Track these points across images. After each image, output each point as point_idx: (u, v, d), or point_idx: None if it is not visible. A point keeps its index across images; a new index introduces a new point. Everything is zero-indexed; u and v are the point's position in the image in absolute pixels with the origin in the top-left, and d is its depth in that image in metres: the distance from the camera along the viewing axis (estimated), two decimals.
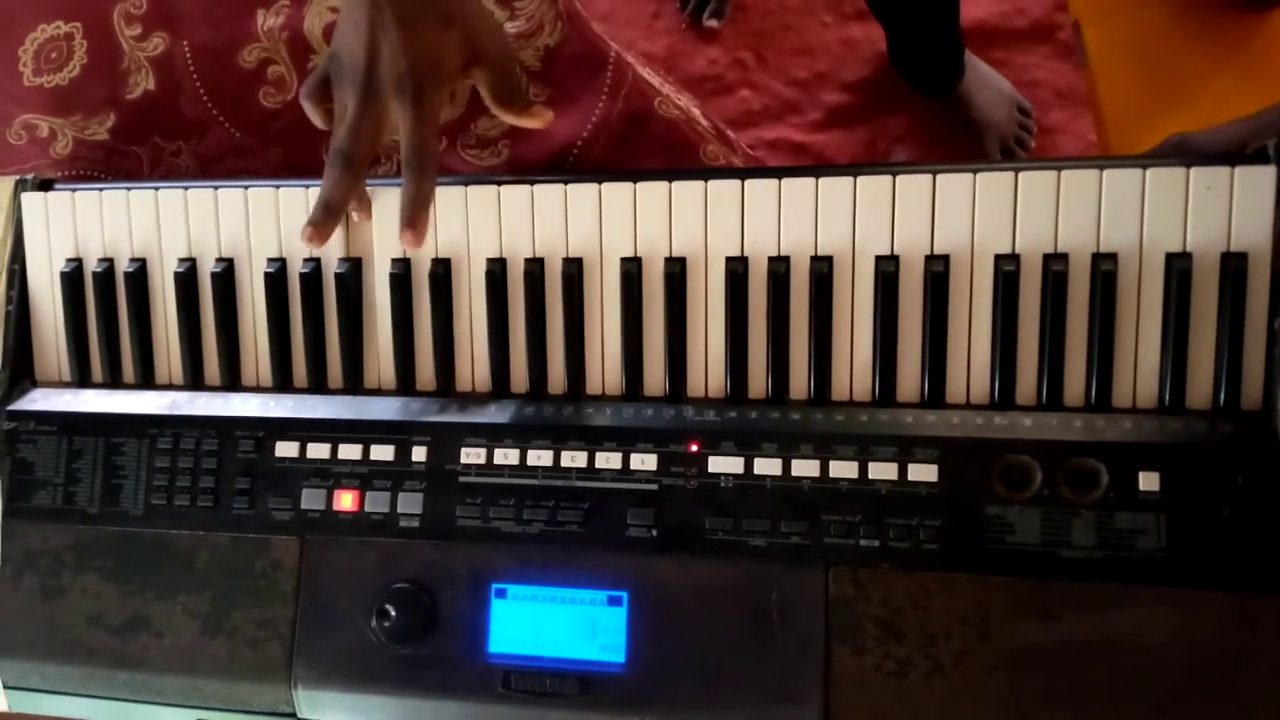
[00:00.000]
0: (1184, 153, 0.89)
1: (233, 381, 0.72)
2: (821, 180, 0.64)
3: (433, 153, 0.64)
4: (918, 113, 1.50)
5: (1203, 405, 0.60)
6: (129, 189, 0.74)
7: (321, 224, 0.63)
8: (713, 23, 1.59)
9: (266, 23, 0.82)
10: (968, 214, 0.62)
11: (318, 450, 0.68)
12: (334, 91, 0.65)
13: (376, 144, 0.65)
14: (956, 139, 1.47)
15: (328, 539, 0.67)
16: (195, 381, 0.72)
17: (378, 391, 0.70)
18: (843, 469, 0.62)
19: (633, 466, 0.64)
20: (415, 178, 0.63)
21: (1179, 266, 0.60)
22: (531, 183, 0.68)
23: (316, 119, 0.67)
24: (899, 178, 0.63)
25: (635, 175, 0.67)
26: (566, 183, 0.68)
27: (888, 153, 1.51)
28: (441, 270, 0.68)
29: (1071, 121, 1.46)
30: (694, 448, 0.64)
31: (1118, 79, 1.08)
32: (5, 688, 0.71)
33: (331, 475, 0.67)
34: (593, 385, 0.68)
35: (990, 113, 1.44)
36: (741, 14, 1.60)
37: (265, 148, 0.82)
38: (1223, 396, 0.60)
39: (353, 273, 0.70)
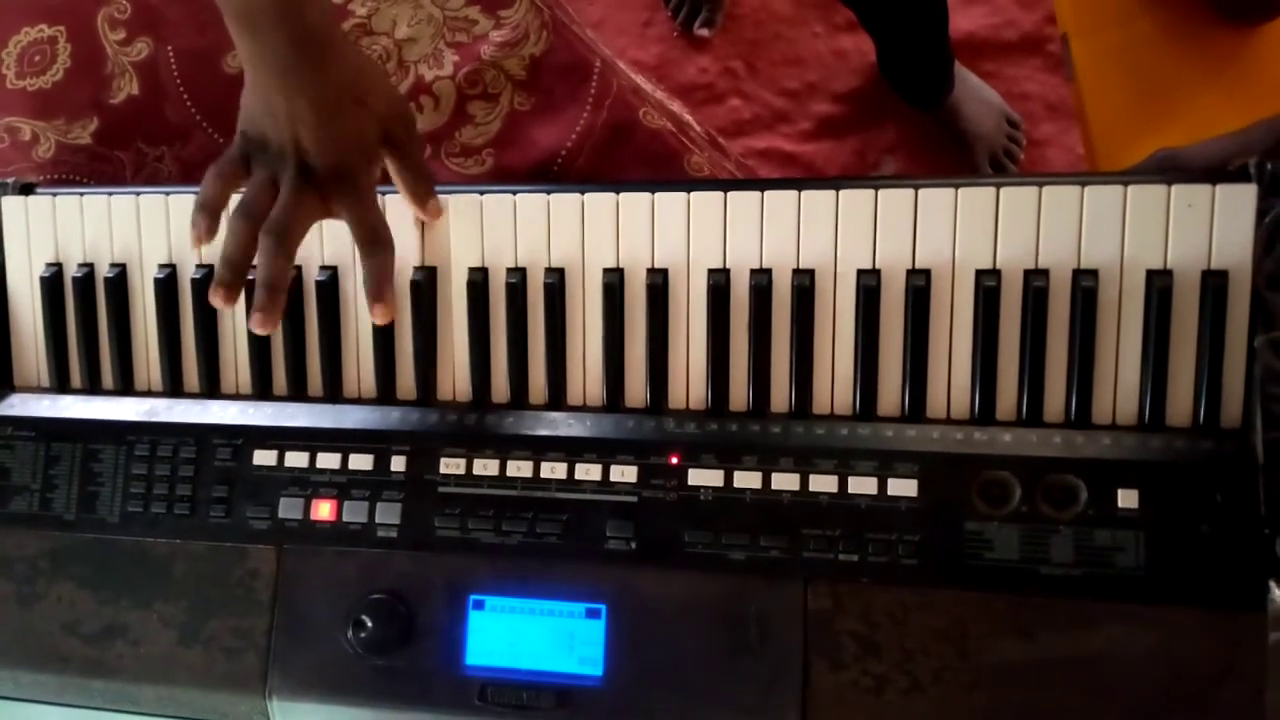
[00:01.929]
0: (1170, 167, 0.89)
1: (211, 388, 0.71)
2: (804, 193, 0.64)
3: (384, 229, 0.64)
4: (907, 124, 1.50)
5: (1182, 423, 0.60)
6: (110, 194, 0.73)
7: (269, 307, 0.61)
8: (704, 32, 1.59)
9: None
10: (949, 229, 0.62)
11: (296, 459, 0.67)
12: (255, 170, 0.63)
13: (309, 225, 0.64)
14: (946, 150, 1.48)
15: (305, 548, 0.66)
16: (174, 388, 0.72)
17: (357, 400, 0.70)
18: (822, 483, 0.62)
19: (613, 478, 0.64)
20: (375, 254, 0.63)
21: (1160, 284, 0.60)
22: (514, 192, 0.68)
23: (217, 192, 0.63)
24: (881, 192, 0.63)
25: (618, 186, 0.67)
26: (549, 192, 0.67)
27: (877, 163, 1.51)
28: (423, 278, 0.68)
29: (1061, 134, 1.46)
30: (674, 460, 0.63)
31: (1105, 93, 1.08)
32: None
33: (309, 484, 0.67)
34: (574, 396, 0.67)
35: (979, 125, 1.44)
36: (733, 23, 1.60)
37: None
38: (1202, 414, 0.60)
39: (332, 280, 0.69)
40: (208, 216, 0.62)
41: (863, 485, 0.61)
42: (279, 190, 0.62)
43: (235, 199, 0.63)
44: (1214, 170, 0.61)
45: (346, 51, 0.63)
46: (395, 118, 0.65)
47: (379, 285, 0.63)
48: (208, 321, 0.71)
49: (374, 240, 0.63)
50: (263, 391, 0.71)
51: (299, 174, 0.61)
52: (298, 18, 0.59)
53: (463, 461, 0.66)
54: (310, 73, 0.60)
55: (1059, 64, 1.45)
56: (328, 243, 0.70)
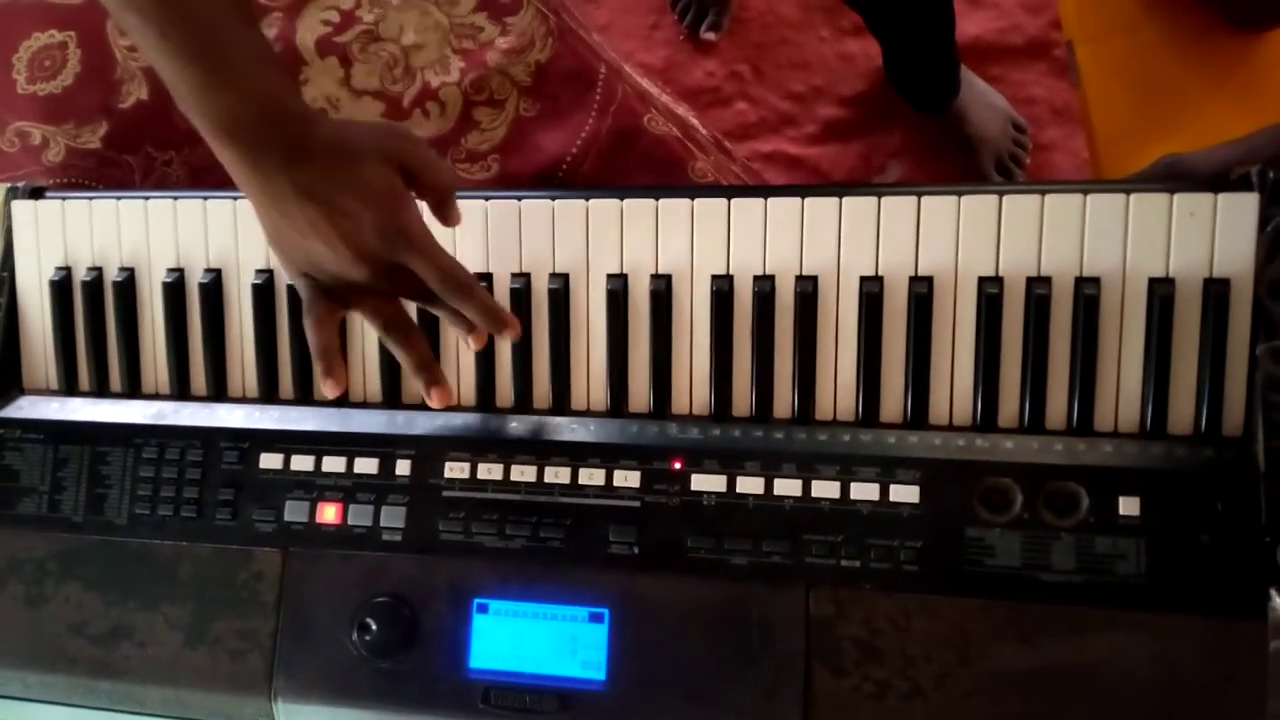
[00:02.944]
0: (1175, 173, 0.89)
1: (219, 392, 0.72)
2: (807, 200, 0.64)
3: (460, 268, 0.61)
4: (913, 128, 1.50)
5: (1184, 430, 0.60)
6: (119, 198, 0.74)
7: (440, 377, 0.63)
8: (710, 35, 1.59)
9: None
10: (952, 236, 0.62)
11: (302, 462, 0.68)
12: (353, 301, 0.62)
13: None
14: (952, 155, 1.47)
15: (310, 551, 0.67)
16: (181, 391, 0.73)
17: (363, 404, 0.70)
18: (825, 489, 0.62)
19: (616, 483, 0.64)
20: (466, 297, 0.61)
21: (1161, 291, 0.60)
22: (519, 198, 0.68)
23: (327, 339, 0.61)
24: (884, 199, 0.63)
25: (623, 192, 0.67)
26: (554, 198, 0.68)
27: (883, 168, 1.51)
28: None
29: (1067, 139, 1.46)
30: (677, 465, 0.64)
31: (1110, 99, 1.08)
32: None
33: (315, 487, 0.67)
34: (578, 401, 0.68)
35: (985, 129, 1.44)
36: (739, 27, 1.60)
37: None
38: (1204, 422, 0.60)
39: None
40: (334, 362, 0.61)
41: (865, 491, 0.61)
42: (384, 290, 0.61)
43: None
44: (1216, 179, 0.61)
45: (320, 116, 0.61)
46: (388, 140, 0.61)
47: (494, 317, 0.62)
48: (215, 325, 0.72)
49: (455, 283, 0.61)
50: (269, 395, 0.71)
51: (376, 267, 0.59)
52: (280, 108, 0.57)
53: (467, 466, 0.66)
54: (310, 156, 0.57)
55: (1065, 68, 1.45)
56: None
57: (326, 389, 0.62)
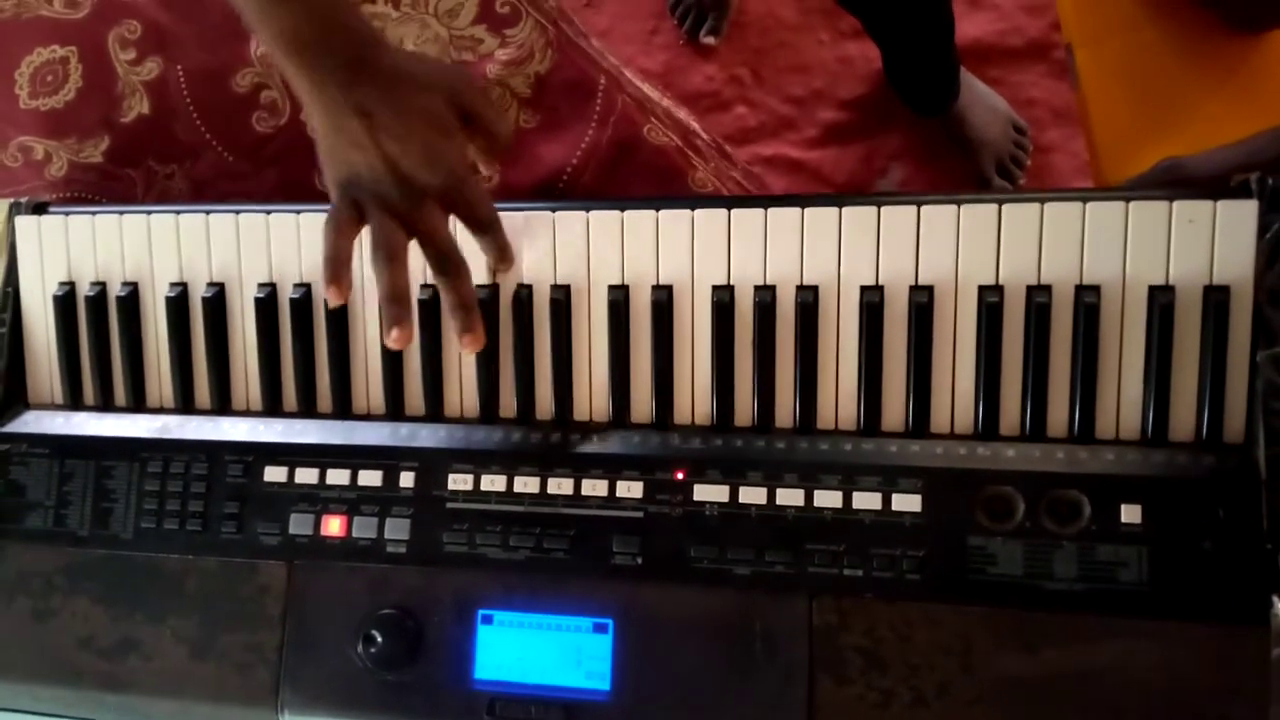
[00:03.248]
0: (1176, 176, 0.89)
1: (223, 405, 0.72)
2: (807, 210, 0.64)
3: (494, 210, 0.66)
4: (914, 131, 1.50)
5: (1185, 437, 0.60)
6: (121, 213, 0.74)
7: (405, 320, 0.62)
8: (710, 40, 1.59)
9: (260, 48, 0.83)
10: (952, 245, 0.63)
11: (306, 475, 0.68)
12: (370, 214, 0.62)
13: (448, 229, 0.65)
14: (952, 158, 1.48)
15: (315, 564, 0.67)
16: (186, 405, 0.73)
17: (367, 416, 0.70)
18: (827, 498, 0.62)
19: (619, 494, 0.64)
20: (492, 230, 0.66)
21: (1162, 299, 0.60)
22: (520, 209, 0.68)
23: (340, 247, 0.62)
24: (884, 208, 0.63)
25: (623, 203, 0.67)
26: (555, 210, 0.68)
27: (884, 170, 1.51)
28: (430, 296, 0.68)
29: (1067, 141, 1.46)
30: (680, 475, 0.64)
31: (1110, 102, 1.08)
32: None
33: (320, 500, 0.68)
34: (580, 412, 0.68)
35: (986, 131, 1.44)
36: (739, 31, 1.61)
37: (258, 171, 0.83)
38: (1205, 429, 0.60)
39: None
40: (341, 271, 0.62)
41: (867, 501, 0.62)
42: (402, 221, 0.62)
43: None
44: (1215, 186, 0.61)
45: (386, 42, 0.64)
46: (452, 78, 0.65)
47: (503, 256, 0.67)
48: (219, 338, 0.72)
49: (486, 219, 0.65)
50: (273, 408, 0.71)
51: (408, 190, 0.62)
52: (344, 28, 0.61)
53: (470, 477, 0.66)
54: (370, 76, 0.61)
55: (1065, 70, 1.45)
56: None
57: (330, 296, 0.61)
